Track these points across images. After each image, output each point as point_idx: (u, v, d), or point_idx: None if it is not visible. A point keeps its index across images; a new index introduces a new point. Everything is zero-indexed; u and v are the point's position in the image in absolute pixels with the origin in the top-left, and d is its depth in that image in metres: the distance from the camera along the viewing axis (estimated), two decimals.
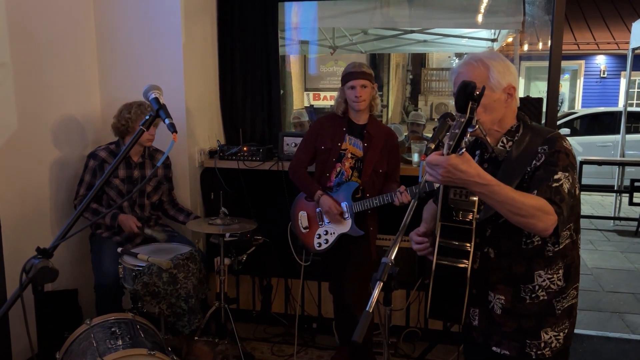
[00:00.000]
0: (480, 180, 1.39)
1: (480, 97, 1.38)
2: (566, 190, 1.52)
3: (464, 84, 1.36)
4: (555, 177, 1.53)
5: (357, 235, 2.86)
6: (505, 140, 1.67)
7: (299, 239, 3.07)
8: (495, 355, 1.71)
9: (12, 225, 2.80)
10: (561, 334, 1.67)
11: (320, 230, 2.96)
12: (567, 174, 1.54)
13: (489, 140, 1.63)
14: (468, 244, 1.56)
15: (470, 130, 1.37)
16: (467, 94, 1.36)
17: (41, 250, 1.39)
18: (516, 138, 1.65)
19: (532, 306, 1.66)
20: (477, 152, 1.77)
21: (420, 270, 3.37)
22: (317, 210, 2.98)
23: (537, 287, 1.64)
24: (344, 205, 2.85)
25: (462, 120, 1.36)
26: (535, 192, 1.52)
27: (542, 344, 1.66)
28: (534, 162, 1.57)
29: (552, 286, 1.64)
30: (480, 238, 1.63)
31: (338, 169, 2.92)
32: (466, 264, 1.54)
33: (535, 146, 1.59)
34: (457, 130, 1.36)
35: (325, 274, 3.29)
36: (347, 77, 2.83)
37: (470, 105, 1.36)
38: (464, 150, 1.37)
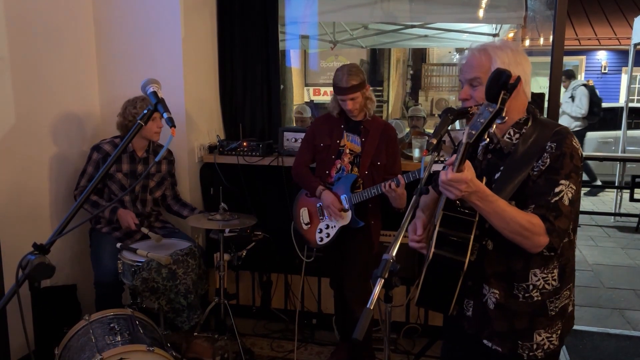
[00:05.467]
0: (478, 189, 1.44)
1: (514, 88, 1.33)
2: (567, 202, 1.51)
3: (497, 72, 1.32)
4: (556, 189, 1.51)
5: (358, 226, 2.86)
6: (512, 132, 1.63)
7: (301, 236, 3.07)
8: (486, 348, 1.70)
9: (10, 221, 2.80)
10: (554, 335, 1.65)
11: (322, 225, 2.97)
12: (569, 182, 1.51)
13: (495, 131, 1.62)
14: (468, 237, 1.53)
15: (498, 122, 1.33)
16: (501, 84, 1.30)
17: (38, 246, 1.38)
18: (524, 131, 1.62)
19: (525, 306, 1.63)
20: (482, 142, 1.73)
21: (420, 266, 3.36)
22: (318, 205, 2.98)
23: (531, 287, 1.62)
24: (343, 197, 2.85)
25: (491, 110, 1.31)
26: (533, 207, 1.52)
27: (535, 346, 1.64)
28: (541, 160, 1.54)
29: (546, 286, 1.62)
30: (480, 230, 1.60)
31: (338, 165, 2.93)
32: (464, 258, 1.51)
33: (544, 141, 1.55)
34: (482, 120, 1.32)
35: (326, 269, 3.29)
36: (335, 90, 2.84)
37: (502, 95, 1.30)
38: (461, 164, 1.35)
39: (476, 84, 1.61)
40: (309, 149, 3.03)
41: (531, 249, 1.52)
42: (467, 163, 1.42)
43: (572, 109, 7.64)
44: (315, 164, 3.04)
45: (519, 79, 1.41)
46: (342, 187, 2.87)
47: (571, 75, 8.15)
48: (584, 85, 7.73)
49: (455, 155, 1.39)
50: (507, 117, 1.37)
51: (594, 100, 7.62)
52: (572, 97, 7.68)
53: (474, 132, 1.32)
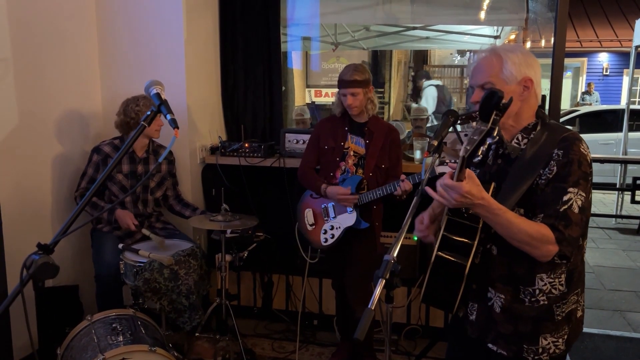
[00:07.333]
0: (484, 203, 1.44)
1: (506, 108, 1.37)
2: (577, 210, 1.50)
3: (490, 93, 1.35)
4: (565, 198, 1.50)
5: (362, 227, 2.87)
6: (520, 138, 1.63)
7: (305, 237, 3.08)
8: (491, 352, 1.70)
9: (13, 221, 2.80)
10: (560, 340, 1.64)
11: (326, 226, 2.98)
12: (577, 189, 1.51)
13: (503, 135, 1.63)
14: (471, 242, 1.54)
15: (489, 140, 1.36)
16: (493, 104, 1.34)
17: (42, 246, 1.39)
18: (532, 136, 1.61)
19: (531, 310, 1.62)
20: (493, 146, 1.73)
21: (421, 267, 3.36)
22: (322, 206, 2.99)
23: (537, 291, 1.61)
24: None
25: (483, 129, 1.35)
26: (542, 216, 1.52)
27: (540, 350, 1.63)
28: (548, 168, 1.53)
29: (553, 291, 1.61)
30: (485, 234, 1.61)
31: (343, 167, 2.94)
32: (466, 261, 1.52)
33: (551, 147, 1.55)
34: (476, 137, 1.36)
35: (329, 270, 3.29)
36: (339, 84, 2.87)
37: (494, 115, 1.34)
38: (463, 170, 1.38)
39: (488, 87, 1.60)
40: (313, 151, 3.04)
41: (540, 258, 1.52)
42: (471, 175, 1.43)
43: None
44: (320, 166, 3.05)
45: (511, 99, 1.43)
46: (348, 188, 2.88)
47: (423, 76, 8.44)
48: (434, 85, 7.87)
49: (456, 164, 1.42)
50: (497, 137, 1.41)
51: (444, 102, 7.78)
52: (421, 98, 7.96)
53: (468, 148, 1.36)
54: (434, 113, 7.65)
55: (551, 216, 1.50)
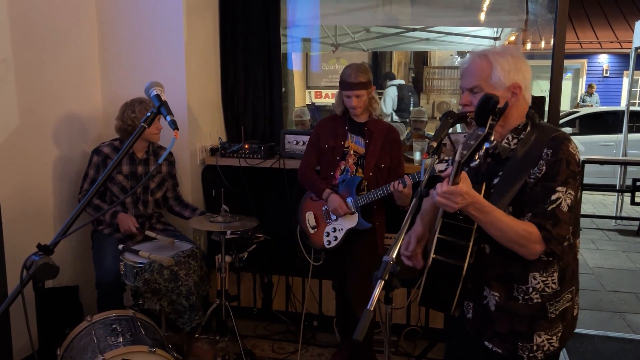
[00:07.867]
0: (476, 200, 1.46)
1: (502, 113, 1.38)
2: (566, 209, 1.52)
3: (486, 98, 1.36)
4: (553, 197, 1.52)
5: (365, 228, 2.87)
6: (510, 138, 1.64)
7: (308, 239, 3.08)
8: (487, 350, 1.71)
9: (14, 222, 2.81)
10: (554, 337, 1.66)
11: (329, 228, 2.98)
12: (566, 188, 1.53)
13: (495, 136, 1.64)
14: (467, 243, 1.55)
15: (487, 145, 1.38)
16: (489, 109, 1.35)
17: (42, 247, 1.39)
18: (522, 136, 1.63)
19: (525, 308, 1.64)
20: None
21: (420, 268, 3.36)
22: (324, 208, 2.99)
23: (531, 289, 1.63)
24: (349, 200, 2.87)
25: (480, 133, 1.36)
26: (530, 215, 1.54)
27: (535, 347, 1.65)
28: (537, 167, 1.55)
29: (546, 289, 1.63)
30: (479, 233, 1.62)
31: (342, 167, 2.94)
32: (463, 263, 1.53)
33: (541, 147, 1.57)
34: (472, 142, 1.37)
35: (329, 270, 3.29)
36: (342, 85, 2.87)
37: (490, 120, 1.35)
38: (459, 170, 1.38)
39: (477, 90, 1.62)
40: (313, 151, 3.04)
41: (527, 256, 1.55)
42: (464, 174, 1.44)
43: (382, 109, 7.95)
44: (320, 166, 3.05)
45: (506, 104, 1.45)
46: (347, 190, 2.88)
47: (387, 77, 8.55)
48: (395, 85, 7.93)
49: (450, 169, 1.43)
50: (495, 141, 1.42)
51: (404, 100, 7.87)
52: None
53: (465, 152, 1.37)
54: (394, 111, 7.90)
55: (539, 215, 1.52)
